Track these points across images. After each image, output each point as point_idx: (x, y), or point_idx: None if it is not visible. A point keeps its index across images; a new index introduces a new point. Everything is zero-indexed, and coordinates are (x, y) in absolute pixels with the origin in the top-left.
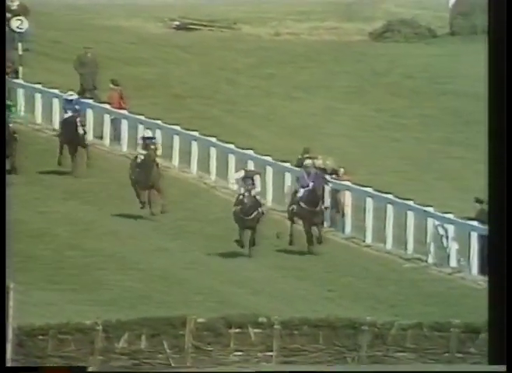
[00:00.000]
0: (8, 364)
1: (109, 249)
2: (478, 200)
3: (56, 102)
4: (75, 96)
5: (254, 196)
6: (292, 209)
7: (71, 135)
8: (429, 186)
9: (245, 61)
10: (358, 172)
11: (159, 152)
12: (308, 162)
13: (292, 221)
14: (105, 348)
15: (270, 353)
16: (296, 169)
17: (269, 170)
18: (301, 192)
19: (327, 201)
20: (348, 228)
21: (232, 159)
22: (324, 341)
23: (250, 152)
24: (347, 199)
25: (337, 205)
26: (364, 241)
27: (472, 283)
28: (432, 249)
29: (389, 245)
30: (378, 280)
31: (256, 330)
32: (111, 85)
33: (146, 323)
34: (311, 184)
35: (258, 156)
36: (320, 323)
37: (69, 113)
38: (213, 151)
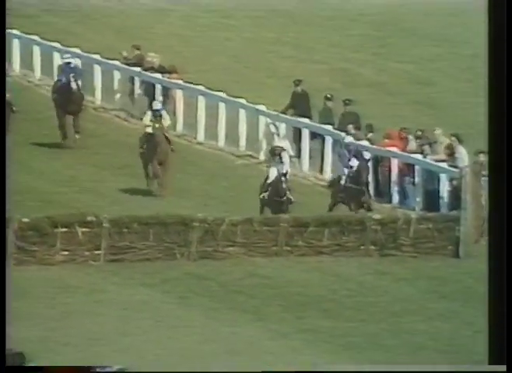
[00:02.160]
0: None
1: None
2: None
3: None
4: (71, 60)
5: (285, 176)
6: (337, 195)
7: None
8: (261, 84)
9: None
10: (189, 71)
11: (167, 123)
12: (349, 139)
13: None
14: None
15: (98, 252)
16: (124, 66)
17: (97, 68)
18: (346, 173)
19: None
20: (179, 126)
21: (56, 56)
22: (154, 238)
23: (77, 50)
24: (178, 97)
25: (169, 103)
26: (196, 138)
27: (303, 179)
28: (263, 146)
29: (221, 142)
30: (210, 177)
31: (84, 229)
32: None
33: None
34: (356, 164)
35: (86, 54)
36: (151, 220)
37: (64, 80)
38: (36, 49)
